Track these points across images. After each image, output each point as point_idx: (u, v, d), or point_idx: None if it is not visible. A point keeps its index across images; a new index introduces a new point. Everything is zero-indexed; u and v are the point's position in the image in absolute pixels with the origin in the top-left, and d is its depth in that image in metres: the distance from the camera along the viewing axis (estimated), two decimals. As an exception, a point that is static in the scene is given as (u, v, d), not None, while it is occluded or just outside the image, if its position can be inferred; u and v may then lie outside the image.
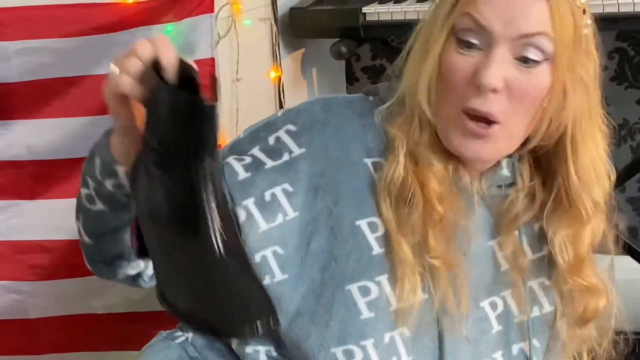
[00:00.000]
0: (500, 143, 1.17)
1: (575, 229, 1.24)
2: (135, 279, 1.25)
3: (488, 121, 1.14)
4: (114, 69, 0.99)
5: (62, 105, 1.80)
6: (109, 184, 1.08)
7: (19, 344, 1.92)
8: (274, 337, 1.25)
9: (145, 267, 1.24)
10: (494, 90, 1.12)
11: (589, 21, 1.18)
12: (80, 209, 1.18)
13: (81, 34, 1.77)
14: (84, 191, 1.14)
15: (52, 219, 1.82)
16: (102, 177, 1.09)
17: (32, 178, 1.84)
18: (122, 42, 1.70)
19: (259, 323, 1.09)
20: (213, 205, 1.00)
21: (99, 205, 1.12)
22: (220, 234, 1.00)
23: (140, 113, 1.01)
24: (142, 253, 1.11)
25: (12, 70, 1.78)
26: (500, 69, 1.12)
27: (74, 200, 1.78)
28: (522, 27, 1.13)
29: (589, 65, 1.20)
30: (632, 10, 1.85)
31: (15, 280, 1.88)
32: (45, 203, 1.85)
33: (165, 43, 0.99)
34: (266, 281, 1.20)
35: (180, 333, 1.31)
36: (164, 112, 0.98)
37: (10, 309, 1.89)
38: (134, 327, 1.78)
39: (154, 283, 1.24)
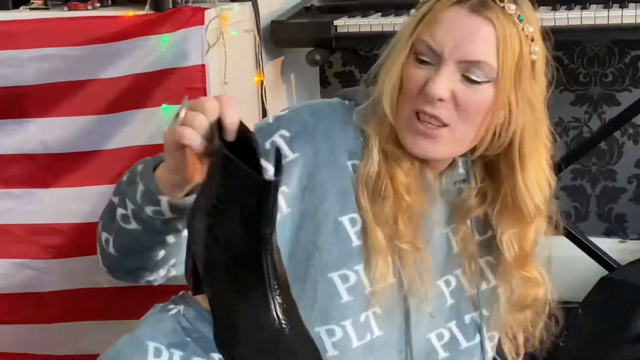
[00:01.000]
0: (446, 145, 1.19)
1: (520, 228, 1.26)
2: (150, 281, 1.23)
3: (437, 123, 1.16)
4: (179, 117, 0.96)
5: (71, 106, 1.80)
6: (148, 210, 1.07)
7: (32, 315, 1.93)
8: None
9: (157, 278, 1.23)
10: (441, 100, 1.13)
11: (537, 48, 1.18)
12: (110, 224, 1.15)
13: (88, 43, 1.76)
14: (120, 210, 1.12)
15: (62, 204, 1.82)
16: (142, 202, 1.07)
17: (45, 169, 1.85)
18: (123, 50, 1.76)
19: None
20: (273, 279, 0.95)
21: (133, 225, 1.10)
22: (280, 305, 0.95)
23: (193, 160, 0.99)
24: (198, 291, 1.05)
25: (26, 75, 1.78)
26: (446, 82, 1.13)
27: (81, 189, 1.86)
28: (466, 54, 1.14)
29: (536, 88, 1.20)
30: (567, 23, 1.89)
31: (30, 258, 1.89)
32: (56, 191, 1.84)
33: (231, 104, 0.95)
34: None
35: (173, 306, 1.33)
36: (224, 178, 0.93)
37: (25, 283, 1.91)
38: (134, 299, 1.74)
39: (164, 281, 1.24)
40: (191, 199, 1.05)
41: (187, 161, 0.99)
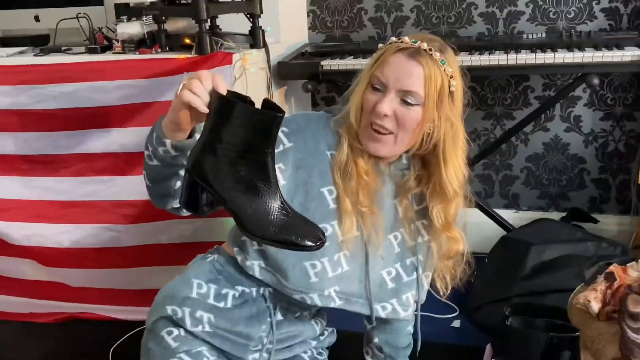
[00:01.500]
0: (389, 147, 1.27)
1: (444, 205, 1.32)
2: (177, 210, 1.26)
3: (385, 131, 1.24)
4: (183, 86, 1.04)
5: (141, 119, 1.86)
6: (160, 150, 1.13)
7: (116, 262, 2.02)
8: (264, 255, 1.31)
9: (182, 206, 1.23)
10: (385, 115, 1.22)
11: (455, 83, 1.23)
12: (144, 164, 1.21)
13: (152, 76, 1.82)
14: (146, 152, 1.18)
15: (136, 187, 1.85)
16: (156, 145, 1.14)
17: (123, 163, 1.92)
18: (177, 81, 1.69)
19: (319, 240, 1.08)
20: (275, 178, 1.05)
21: (155, 162, 1.17)
22: (281, 194, 1.06)
23: (186, 116, 1.05)
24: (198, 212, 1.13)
25: (110, 98, 1.85)
26: (389, 104, 1.22)
27: None
28: (403, 85, 1.21)
29: (454, 110, 1.26)
30: (479, 64, 2.00)
31: (113, 224, 1.97)
32: (132, 178, 1.91)
33: (220, 78, 1.05)
34: None
35: (209, 255, 1.41)
36: (236, 118, 1.00)
37: (110, 241, 1.99)
38: (184, 252, 1.77)
39: (188, 214, 1.24)
40: (186, 141, 1.11)
41: (183, 116, 1.06)
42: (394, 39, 1.27)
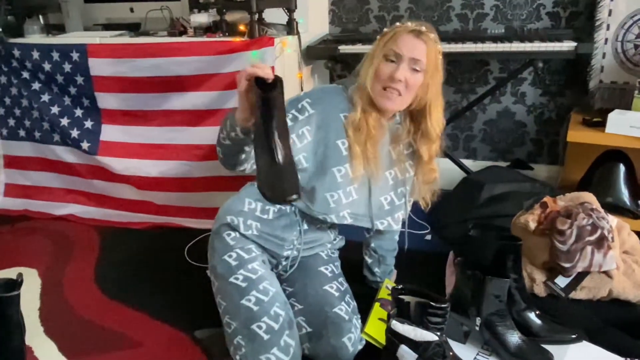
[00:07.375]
0: (398, 104, 1.24)
1: (429, 145, 1.31)
2: (242, 170, 1.24)
3: (397, 93, 1.22)
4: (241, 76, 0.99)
5: (208, 86, 1.82)
6: (232, 134, 1.11)
7: (189, 188, 1.99)
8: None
9: (246, 169, 1.23)
10: (400, 81, 1.20)
11: (440, 57, 1.23)
12: (218, 143, 1.18)
13: (216, 54, 1.77)
14: (220, 135, 1.16)
15: (202, 135, 1.88)
16: (229, 130, 1.11)
17: (195, 117, 1.87)
18: (234, 58, 1.76)
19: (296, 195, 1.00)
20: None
21: (227, 142, 1.15)
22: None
23: (244, 103, 1.00)
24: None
25: (185, 69, 1.81)
26: (403, 72, 1.20)
27: (211, 127, 1.85)
28: (415, 55, 1.19)
29: (439, 77, 1.24)
30: (454, 51, 1.93)
31: (188, 160, 1.94)
32: (200, 128, 1.88)
33: (264, 67, 0.99)
34: (300, 167, 1.25)
35: (256, 182, 1.26)
36: (268, 101, 0.97)
37: (185, 173, 1.97)
38: (238, 181, 1.61)
39: (250, 172, 1.24)
40: (250, 126, 1.06)
41: (244, 103, 1.02)
42: (398, 24, 1.23)
